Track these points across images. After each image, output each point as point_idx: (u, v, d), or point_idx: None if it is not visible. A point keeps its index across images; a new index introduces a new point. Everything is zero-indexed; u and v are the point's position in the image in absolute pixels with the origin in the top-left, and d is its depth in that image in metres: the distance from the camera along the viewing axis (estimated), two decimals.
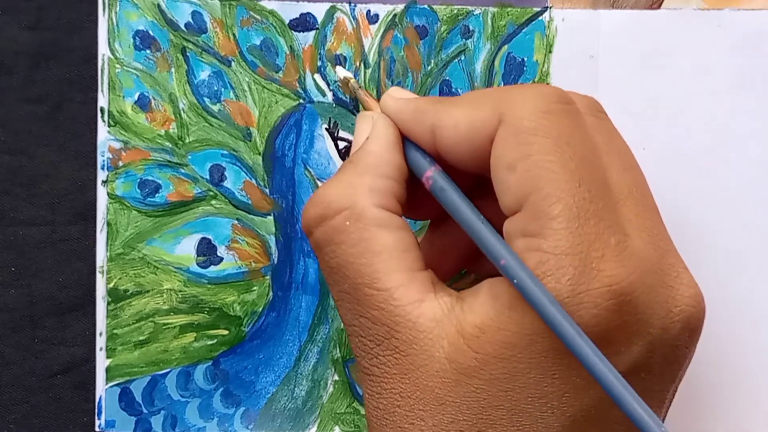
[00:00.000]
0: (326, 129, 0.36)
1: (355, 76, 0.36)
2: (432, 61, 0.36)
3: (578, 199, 0.25)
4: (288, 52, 0.36)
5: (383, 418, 0.27)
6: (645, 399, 0.25)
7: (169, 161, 0.36)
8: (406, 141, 0.30)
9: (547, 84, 0.28)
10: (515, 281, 0.25)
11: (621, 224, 0.26)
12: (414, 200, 0.30)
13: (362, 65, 0.36)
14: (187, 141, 0.36)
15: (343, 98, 0.36)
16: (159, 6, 0.35)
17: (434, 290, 0.27)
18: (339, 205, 0.28)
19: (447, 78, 0.36)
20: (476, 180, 0.30)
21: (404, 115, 0.29)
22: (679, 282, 0.27)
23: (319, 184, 0.36)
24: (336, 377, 0.36)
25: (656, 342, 0.26)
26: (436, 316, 0.26)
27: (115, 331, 0.35)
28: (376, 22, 0.36)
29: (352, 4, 0.36)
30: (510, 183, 0.26)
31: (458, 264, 0.33)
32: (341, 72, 0.35)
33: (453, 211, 0.28)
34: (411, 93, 0.31)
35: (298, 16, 0.36)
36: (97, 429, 0.36)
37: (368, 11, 0.36)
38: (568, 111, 0.27)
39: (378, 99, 0.32)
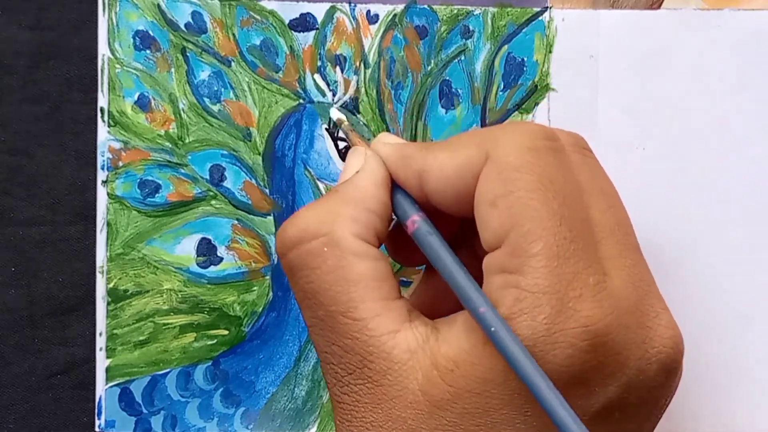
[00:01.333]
0: (326, 129, 0.36)
1: (355, 75, 0.36)
2: (432, 61, 0.36)
3: (559, 237, 0.25)
4: (288, 53, 0.36)
5: None
6: None
7: (169, 161, 0.36)
8: (393, 185, 0.29)
9: (532, 122, 0.28)
10: (492, 329, 0.25)
11: (601, 264, 0.26)
12: (404, 246, 0.30)
13: (362, 65, 0.36)
14: (187, 141, 0.36)
15: (344, 98, 0.36)
16: (159, 6, 0.35)
17: (410, 319, 0.27)
18: (317, 230, 0.27)
19: (447, 78, 0.36)
20: (462, 225, 0.30)
21: (392, 159, 0.29)
22: (657, 323, 0.27)
23: (319, 184, 0.36)
24: None
25: (632, 383, 0.26)
26: (410, 347, 0.26)
27: (115, 331, 0.35)
28: (376, 22, 0.36)
29: (352, 4, 0.36)
30: (491, 219, 0.26)
31: (457, 305, 0.33)
32: (335, 114, 0.35)
33: (432, 257, 0.28)
34: (399, 138, 0.31)
35: (298, 16, 0.36)
36: (97, 429, 0.36)
37: (368, 11, 0.36)
38: (552, 148, 0.27)
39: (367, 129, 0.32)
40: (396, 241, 0.31)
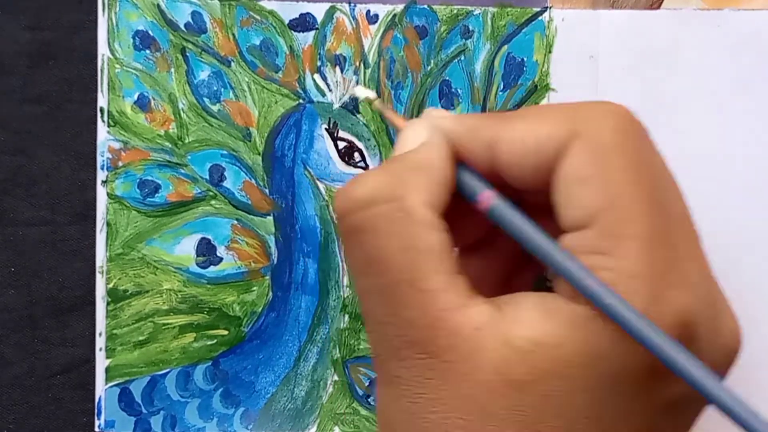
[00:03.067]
0: (326, 129, 0.36)
1: (355, 75, 0.36)
2: (432, 61, 0.36)
3: (654, 221, 0.25)
4: (288, 52, 0.36)
5: (410, 422, 0.26)
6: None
7: (169, 161, 0.36)
8: (458, 164, 0.28)
9: (616, 103, 0.27)
10: (608, 307, 0.24)
11: (683, 252, 0.25)
12: (455, 224, 0.29)
13: (362, 65, 0.36)
14: (186, 141, 0.36)
15: (344, 98, 0.36)
16: (159, 6, 0.35)
17: (472, 296, 0.26)
18: (390, 194, 0.26)
19: (447, 78, 0.36)
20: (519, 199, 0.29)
21: (459, 131, 0.28)
22: (725, 314, 0.26)
23: (319, 184, 0.36)
24: (335, 377, 0.36)
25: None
26: (478, 323, 0.25)
27: (114, 331, 0.35)
28: (376, 22, 0.36)
29: (352, 4, 0.36)
30: (581, 197, 0.25)
31: (497, 287, 0.31)
32: (361, 92, 0.32)
33: (516, 233, 0.26)
34: (450, 112, 0.30)
35: (297, 16, 0.36)
36: (96, 429, 0.36)
37: (368, 11, 0.36)
38: (641, 132, 0.26)
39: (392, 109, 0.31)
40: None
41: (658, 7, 0.36)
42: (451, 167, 0.28)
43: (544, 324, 0.25)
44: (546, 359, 0.24)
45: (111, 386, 0.35)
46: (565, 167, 0.25)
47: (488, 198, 0.27)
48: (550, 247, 0.26)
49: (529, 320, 0.25)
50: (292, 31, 0.36)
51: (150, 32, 0.35)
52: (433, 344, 0.25)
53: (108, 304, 0.35)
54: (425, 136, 0.28)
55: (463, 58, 0.36)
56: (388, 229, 0.26)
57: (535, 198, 0.27)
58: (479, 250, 0.31)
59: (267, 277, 0.36)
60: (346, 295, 0.36)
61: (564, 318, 0.25)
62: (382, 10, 0.36)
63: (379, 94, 0.36)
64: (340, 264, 0.36)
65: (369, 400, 0.36)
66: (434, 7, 0.36)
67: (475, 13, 0.36)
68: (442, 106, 0.36)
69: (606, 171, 0.25)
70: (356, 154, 0.36)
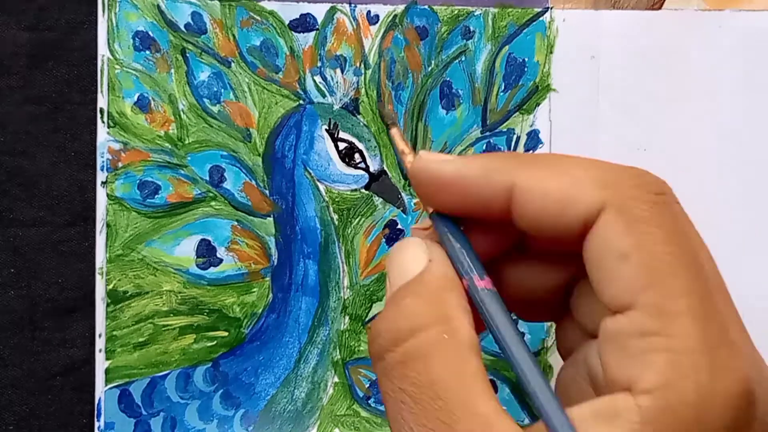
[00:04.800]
0: (326, 130, 0.36)
1: (355, 76, 0.36)
2: (432, 61, 0.36)
3: (700, 293, 0.24)
4: (288, 53, 0.36)
5: None
6: None
7: (169, 162, 0.36)
8: (458, 234, 0.27)
9: (647, 171, 0.27)
10: None
11: (728, 318, 0.25)
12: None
13: (362, 66, 0.36)
14: (186, 142, 0.36)
15: (345, 99, 0.36)
16: (158, 7, 0.35)
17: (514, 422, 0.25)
18: (434, 318, 0.25)
19: (447, 79, 0.36)
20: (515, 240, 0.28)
21: (471, 171, 0.26)
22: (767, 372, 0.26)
23: (319, 185, 0.36)
24: (336, 379, 0.36)
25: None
26: None
27: (114, 332, 0.35)
28: (377, 22, 0.36)
29: (353, 5, 0.36)
30: (622, 275, 0.24)
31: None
32: (389, 118, 0.32)
33: (495, 332, 0.25)
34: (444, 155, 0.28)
35: (298, 16, 0.36)
36: (96, 431, 0.36)
37: (368, 12, 0.36)
38: (671, 202, 0.26)
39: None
40: None
41: (660, 8, 0.36)
42: (461, 286, 0.26)
43: None
44: None
45: (111, 388, 0.35)
46: (599, 241, 0.25)
47: (478, 280, 0.26)
48: (526, 364, 0.25)
49: None
50: (293, 32, 0.36)
51: (150, 33, 0.35)
52: None
53: (108, 305, 0.35)
54: (422, 254, 0.27)
55: (464, 58, 0.36)
56: (440, 354, 0.25)
57: (542, 244, 0.27)
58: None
59: (267, 279, 0.36)
60: (346, 297, 0.36)
61: (633, 417, 0.23)
62: (382, 11, 0.36)
63: (379, 95, 0.36)
64: (341, 265, 0.36)
65: (369, 401, 0.36)
66: (435, 7, 0.36)
67: (476, 14, 0.36)
68: (443, 107, 0.36)
69: (644, 245, 0.24)
70: (356, 155, 0.36)
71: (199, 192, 0.36)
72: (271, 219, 0.36)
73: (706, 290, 0.24)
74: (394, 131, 0.29)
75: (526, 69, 0.36)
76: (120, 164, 0.35)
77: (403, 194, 0.36)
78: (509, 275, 0.29)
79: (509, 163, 0.26)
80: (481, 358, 0.25)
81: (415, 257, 0.27)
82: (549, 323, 0.36)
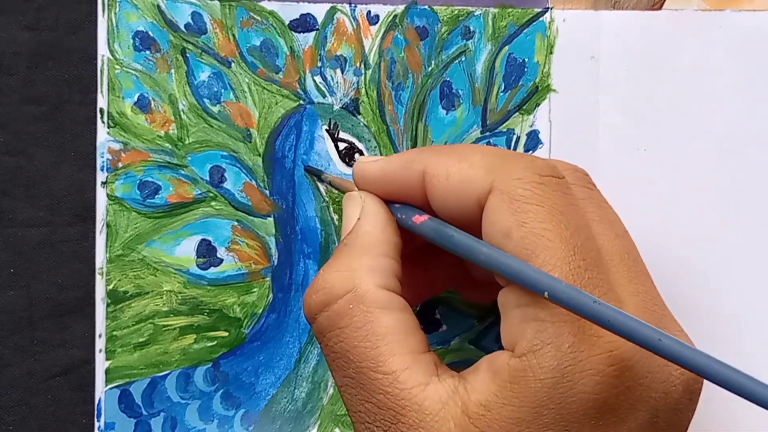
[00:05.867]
0: (326, 130, 0.36)
1: (355, 76, 0.36)
2: (432, 62, 0.36)
3: (573, 266, 0.25)
4: (288, 53, 0.36)
5: None
6: None
7: (169, 162, 0.36)
8: (393, 206, 0.30)
9: (536, 156, 0.29)
10: (548, 294, 0.25)
11: (615, 290, 0.26)
12: (413, 280, 0.31)
13: (362, 66, 0.36)
14: (186, 142, 0.36)
15: (345, 100, 0.36)
16: (159, 7, 0.35)
17: (437, 372, 0.27)
18: (341, 289, 0.28)
19: (447, 79, 0.36)
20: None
21: (392, 167, 0.30)
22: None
23: (320, 185, 0.36)
24: None
25: (659, 407, 0.26)
26: (441, 398, 0.26)
27: (114, 332, 0.35)
28: (377, 22, 0.36)
29: (353, 5, 0.36)
30: (506, 251, 0.26)
31: (425, 297, 0.35)
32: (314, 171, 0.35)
33: (452, 244, 0.28)
34: (381, 157, 0.32)
35: (298, 16, 0.36)
36: (96, 431, 0.36)
37: (368, 12, 0.36)
38: (559, 183, 0.27)
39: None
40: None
41: (660, 8, 0.36)
42: (393, 231, 0.29)
43: (491, 385, 0.26)
44: (496, 420, 0.25)
45: (111, 388, 0.35)
46: (488, 220, 0.27)
47: (418, 220, 0.29)
48: (478, 247, 0.27)
49: (480, 384, 0.26)
50: (293, 32, 0.36)
51: (150, 33, 0.35)
52: (403, 423, 0.26)
53: (108, 305, 0.35)
54: (359, 208, 0.30)
55: (464, 58, 0.36)
56: (347, 323, 0.27)
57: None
58: None
59: (267, 279, 0.36)
60: None
61: (505, 376, 0.25)
62: (382, 11, 0.36)
63: (379, 95, 0.36)
64: None
65: None
66: (435, 7, 0.36)
67: (476, 14, 0.36)
68: (443, 107, 0.36)
69: (524, 222, 0.26)
70: (357, 155, 0.36)
71: (200, 192, 0.36)
72: (271, 219, 0.36)
73: (584, 262, 0.26)
74: (329, 178, 0.34)
75: (526, 69, 0.36)
76: (120, 164, 0.35)
77: None
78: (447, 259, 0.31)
79: (422, 154, 0.29)
80: (401, 313, 0.28)
81: (353, 212, 0.30)
82: None
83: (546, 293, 0.25)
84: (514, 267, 0.26)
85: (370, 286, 0.28)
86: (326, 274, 0.28)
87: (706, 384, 0.35)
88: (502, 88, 0.36)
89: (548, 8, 0.36)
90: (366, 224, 0.29)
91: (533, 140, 0.36)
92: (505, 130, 0.36)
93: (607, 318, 0.24)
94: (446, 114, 0.36)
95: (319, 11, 0.36)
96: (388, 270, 0.28)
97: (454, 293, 0.36)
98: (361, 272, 0.28)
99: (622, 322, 0.24)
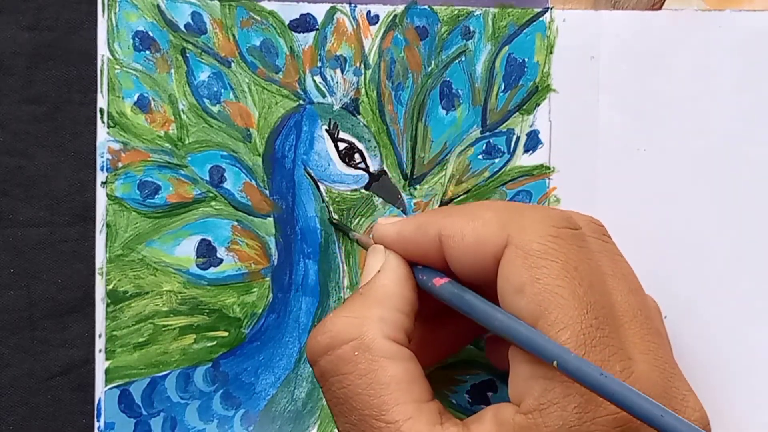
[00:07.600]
0: (326, 130, 0.36)
1: (355, 76, 0.36)
2: (432, 61, 0.36)
3: (585, 325, 0.25)
4: (288, 53, 0.36)
5: None
6: None
7: (169, 162, 0.36)
8: (413, 267, 0.30)
9: (553, 207, 0.29)
10: (554, 362, 0.25)
11: (626, 349, 0.26)
12: (428, 341, 0.31)
13: (362, 66, 0.36)
14: (186, 142, 0.36)
15: (345, 100, 0.36)
16: (158, 7, 0.35)
17: (441, 421, 0.27)
18: (347, 335, 0.28)
19: (447, 79, 0.36)
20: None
21: (408, 230, 0.30)
22: (684, 405, 0.27)
23: (320, 185, 0.36)
24: None
25: None
26: None
27: (114, 332, 0.35)
28: (377, 22, 0.36)
29: (353, 5, 0.36)
30: (519, 307, 0.26)
31: (443, 356, 0.34)
32: (353, 235, 0.36)
33: (467, 307, 0.28)
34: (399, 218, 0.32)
35: (298, 16, 0.36)
36: (96, 431, 0.36)
37: (368, 12, 0.36)
38: (574, 236, 0.27)
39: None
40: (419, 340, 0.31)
41: (660, 8, 0.36)
42: (410, 289, 0.29)
43: None
44: None
45: (111, 388, 0.35)
46: (502, 275, 0.27)
47: (438, 282, 0.29)
48: (493, 313, 0.27)
49: None
50: (293, 32, 0.36)
51: (150, 33, 0.35)
52: None
53: (108, 305, 0.35)
54: (381, 261, 0.30)
55: (463, 58, 0.36)
56: (351, 370, 0.27)
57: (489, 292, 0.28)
58: None
59: (267, 279, 0.36)
60: (346, 297, 0.36)
61: (510, 428, 0.26)
62: (382, 11, 0.36)
63: (379, 95, 0.36)
64: (341, 265, 0.36)
65: None
66: (435, 7, 0.36)
67: (475, 14, 0.36)
68: (443, 107, 0.36)
69: (537, 278, 0.26)
70: (356, 155, 0.36)
71: (199, 192, 0.36)
72: (271, 219, 0.36)
73: (597, 321, 0.26)
74: (357, 237, 0.35)
75: (526, 69, 0.36)
76: (120, 164, 0.35)
77: (403, 194, 0.36)
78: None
79: (435, 216, 0.29)
80: (406, 363, 0.28)
81: (374, 263, 0.30)
82: None
83: (555, 362, 0.25)
84: (525, 335, 0.26)
85: (377, 335, 0.28)
86: (335, 317, 0.29)
87: (708, 387, 0.35)
88: (502, 88, 0.36)
89: (548, 8, 0.36)
90: (384, 278, 0.29)
91: (533, 140, 0.36)
92: (505, 130, 0.36)
93: (612, 391, 0.24)
94: (446, 114, 0.36)
95: (319, 11, 0.36)
96: (397, 323, 0.28)
97: None
98: (370, 321, 0.28)
99: (626, 396, 0.24)
